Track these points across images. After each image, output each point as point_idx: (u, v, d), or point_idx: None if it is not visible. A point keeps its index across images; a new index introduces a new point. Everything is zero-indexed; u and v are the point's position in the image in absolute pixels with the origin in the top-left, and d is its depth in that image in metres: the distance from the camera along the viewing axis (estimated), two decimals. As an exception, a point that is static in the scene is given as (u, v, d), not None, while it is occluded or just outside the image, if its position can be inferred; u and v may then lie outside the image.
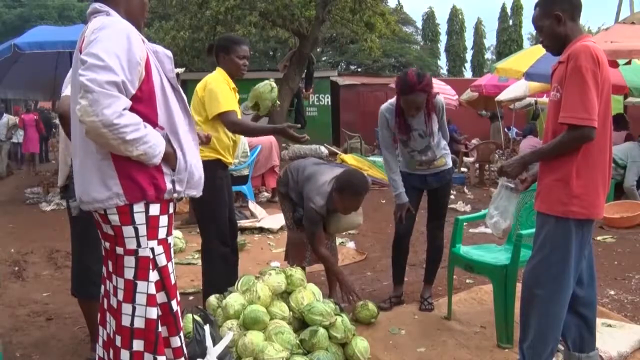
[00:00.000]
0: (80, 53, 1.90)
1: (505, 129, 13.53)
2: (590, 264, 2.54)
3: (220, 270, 3.32)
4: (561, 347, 2.64)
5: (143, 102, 1.93)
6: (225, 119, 3.22)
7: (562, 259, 2.33)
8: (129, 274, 1.97)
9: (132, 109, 1.86)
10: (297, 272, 3.01)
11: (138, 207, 1.94)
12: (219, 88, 3.25)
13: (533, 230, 2.98)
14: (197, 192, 2.15)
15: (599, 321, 2.80)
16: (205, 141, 2.48)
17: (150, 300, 1.97)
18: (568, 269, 2.35)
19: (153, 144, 1.90)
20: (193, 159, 2.10)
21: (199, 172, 2.13)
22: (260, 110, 3.69)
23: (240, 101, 3.48)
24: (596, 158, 2.29)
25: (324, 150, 13.03)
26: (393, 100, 3.49)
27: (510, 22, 30.23)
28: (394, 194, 3.54)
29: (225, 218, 3.40)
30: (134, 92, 1.88)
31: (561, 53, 2.37)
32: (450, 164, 3.64)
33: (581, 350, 2.56)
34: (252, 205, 6.80)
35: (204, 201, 3.29)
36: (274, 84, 3.67)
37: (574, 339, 2.56)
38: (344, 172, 3.43)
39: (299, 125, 3.16)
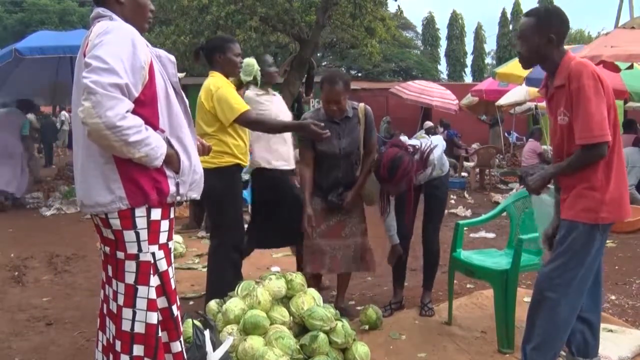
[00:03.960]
0: (84, 57, 1.90)
1: (506, 134, 13.55)
2: (598, 270, 2.54)
3: (229, 276, 3.28)
4: (563, 352, 2.63)
5: (145, 106, 1.93)
6: (244, 120, 3.15)
7: (580, 264, 2.35)
8: (130, 278, 1.96)
9: (134, 112, 1.86)
10: (297, 277, 3.00)
11: (140, 212, 1.95)
12: (226, 92, 3.15)
13: (534, 234, 2.98)
14: (198, 194, 2.16)
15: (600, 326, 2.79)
16: (206, 152, 2.45)
17: (151, 305, 1.96)
18: (585, 275, 2.37)
19: (155, 146, 1.91)
20: (195, 160, 2.11)
21: (200, 174, 2.14)
22: (257, 84, 3.70)
23: None
24: (617, 162, 2.39)
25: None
26: None
27: (511, 27, 30.36)
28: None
29: (243, 223, 3.37)
30: (137, 95, 1.88)
31: (529, 68, 2.45)
32: (446, 171, 3.61)
33: (585, 355, 2.56)
34: (253, 210, 6.78)
35: (224, 205, 3.27)
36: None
37: (578, 345, 2.56)
38: None
39: (322, 124, 3.06)
